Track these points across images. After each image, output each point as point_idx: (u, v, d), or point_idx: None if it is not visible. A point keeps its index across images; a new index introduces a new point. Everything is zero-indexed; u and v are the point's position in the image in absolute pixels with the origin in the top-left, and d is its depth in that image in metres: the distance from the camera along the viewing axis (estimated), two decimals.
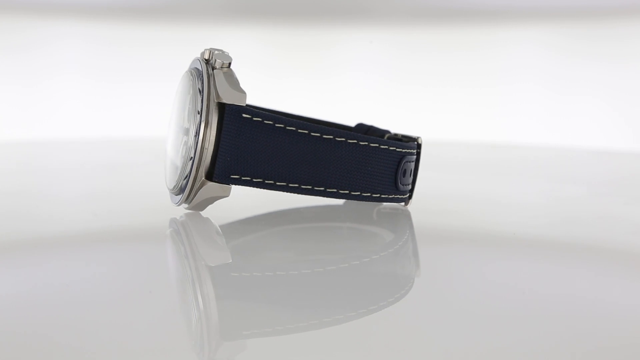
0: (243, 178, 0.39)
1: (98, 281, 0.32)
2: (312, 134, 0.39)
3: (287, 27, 1.22)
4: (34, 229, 0.42)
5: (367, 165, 0.41)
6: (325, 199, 0.43)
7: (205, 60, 0.39)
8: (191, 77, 0.40)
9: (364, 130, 0.51)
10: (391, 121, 0.58)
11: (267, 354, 0.25)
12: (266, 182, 0.39)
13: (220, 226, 0.42)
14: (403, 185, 0.45)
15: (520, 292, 0.32)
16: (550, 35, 1.20)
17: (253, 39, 1.21)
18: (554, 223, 0.49)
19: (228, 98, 0.38)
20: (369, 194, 0.42)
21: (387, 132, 0.50)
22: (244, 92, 0.38)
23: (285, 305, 0.29)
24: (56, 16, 1.17)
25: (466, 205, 0.53)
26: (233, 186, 0.39)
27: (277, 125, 0.39)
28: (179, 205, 0.41)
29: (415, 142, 0.47)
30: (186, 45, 0.76)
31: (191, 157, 0.38)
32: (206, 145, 0.38)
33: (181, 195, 0.40)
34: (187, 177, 0.39)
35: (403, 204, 0.47)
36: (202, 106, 0.38)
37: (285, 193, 0.40)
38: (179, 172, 0.40)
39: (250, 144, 0.38)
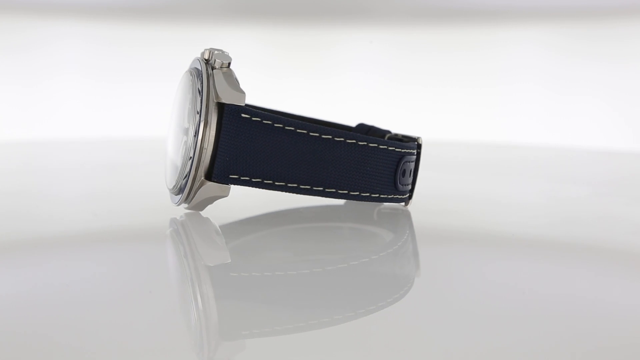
0: (242, 178, 0.39)
1: (98, 281, 0.32)
2: (311, 133, 0.39)
3: (287, 27, 1.22)
4: (34, 229, 0.42)
5: (366, 165, 0.41)
6: (325, 199, 0.43)
7: (205, 60, 0.39)
8: (191, 77, 0.40)
9: (364, 131, 0.50)
10: (391, 121, 0.58)
11: (266, 354, 0.25)
12: (265, 182, 0.39)
13: (220, 226, 0.42)
14: (403, 185, 0.45)
15: (520, 292, 0.32)
16: (550, 35, 1.20)
17: (253, 39, 1.21)
18: (554, 223, 0.49)
19: (227, 98, 0.38)
20: (367, 194, 0.42)
21: (388, 132, 0.50)
22: (243, 92, 0.38)
23: (284, 305, 0.29)
24: (56, 16, 1.17)
25: (466, 205, 0.53)
26: (233, 186, 0.39)
27: (276, 125, 0.39)
28: (178, 205, 0.41)
29: (415, 142, 0.47)
30: (186, 45, 0.76)
31: (190, 157, 0.38)
32: (205, 145, 0.38)
33: (181, 195, 0.40)
34: (187, 176, 0.39)
35: (403, 204, 0.47)
36: (201, 106, 0.38)
37: (284, 193, 0.40)
38: (178, 172, 0.40)
39: (249, 144, 0.38)
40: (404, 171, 0.44)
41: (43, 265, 0.35)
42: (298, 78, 1.22)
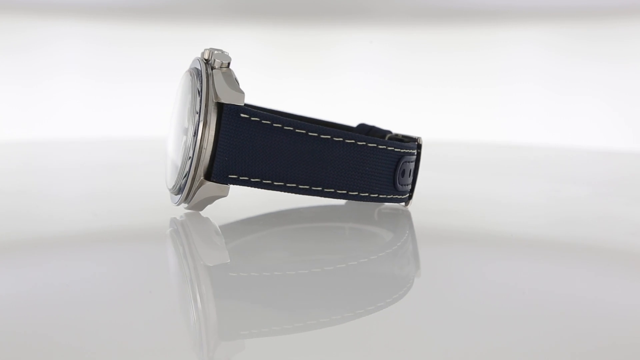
0: (241, 178, 0.39)
1: (98, 281, 0.32)
2: (310, 133, 0.39)
3: (287, 27, 1.22)
4: (34, 229, 0.42)
5: (365, 165, 0.41)
6: (325, 199, 0.43)
7: (205, 60, 0.39)
8: (191, 77, 0.40)
9: (365, 131, 0.50)
10: (391, 121, 0.58)
11: (265, 354, 0.25)
12: (264, 181, 0.39)
13: (220, 226, 0.42)
14: (402, 185, 0.45)
15: (520, 292, 0.32)
16: (550, 35, 1.20)
17: (253, 39, 1.21)
18: (554, 223, 0.49)
19: (226, 98, 0.38)
20: (367, 194, 0.42)
21: (389, 132, 0.50)
22: (242, 92, 0.38)
23: (283, 305, 0.29)
24: (56, 16, 1.17)
25: (466, 205, 0.53)
26: (232, 186, 0.39)
27: (274, 125, 0.39)
28: (178, 204, 0.41)
29: (415, 143, 0.46)
30: (186, 45, 0.76)
31: (190, 157, 0.38)
32: (204, 145, 0.38)
33: (180, 194, 0.40)
34: (186, 176, 0.39)
35: (403, 204, 0.47)
36: (200, 106, 0.38)
37: (283, 193, 0.40)
38: (178, 171, 0.40)
39: (248, 144, 0.38)
40: (404, 171, 0.44)
41: (43, 265, 0.35)
42: (298, 78, 1.22)
